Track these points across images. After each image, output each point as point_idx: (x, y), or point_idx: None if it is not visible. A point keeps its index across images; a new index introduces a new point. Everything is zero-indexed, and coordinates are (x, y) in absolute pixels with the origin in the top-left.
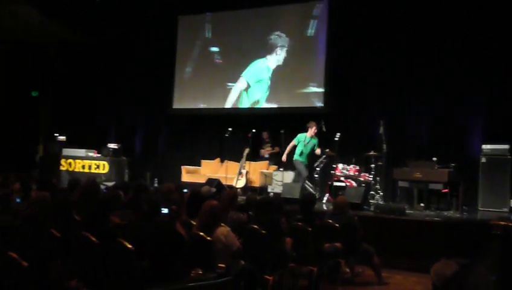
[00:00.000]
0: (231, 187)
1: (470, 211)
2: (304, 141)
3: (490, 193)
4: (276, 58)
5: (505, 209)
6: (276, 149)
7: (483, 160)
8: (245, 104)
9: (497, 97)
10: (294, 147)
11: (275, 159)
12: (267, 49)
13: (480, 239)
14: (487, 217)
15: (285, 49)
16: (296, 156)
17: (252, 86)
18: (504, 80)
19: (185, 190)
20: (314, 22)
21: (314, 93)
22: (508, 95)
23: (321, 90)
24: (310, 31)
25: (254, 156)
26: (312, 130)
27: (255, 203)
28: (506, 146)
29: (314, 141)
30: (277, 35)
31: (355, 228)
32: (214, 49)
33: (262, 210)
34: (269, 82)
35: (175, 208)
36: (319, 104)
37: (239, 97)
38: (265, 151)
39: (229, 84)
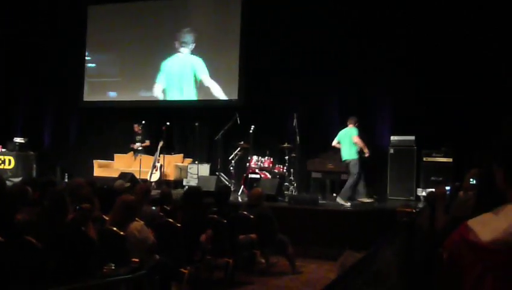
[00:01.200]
0: (145, 181)
1: (379, 200)
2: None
3: (398, 182)
4: (189, 51)
5: (412, 198)
6: (147, 143)
7: (391, 151)
8: (159, 96)
9: (403, 89)
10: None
11: (145, 152)
12: (181, 42)
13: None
14: (395, 206)
15: (196, 41)
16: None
17: (167, 79)
18: (409, 71)
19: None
20: (228, 13)
21: (228, 85)
22: (412, 87)
23: (235, 82)
24: (224, 23)
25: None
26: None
27: (168, 197)
28: (412, 137)
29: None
30: (190, 27)
31: (269, 219)
32: (125, 40)
33: (187, 202)
34: (183, 75)
35: (87, 207)
36: (233, 96)
37: (153, 89)
38: (135, 145)
39: (142, 76)
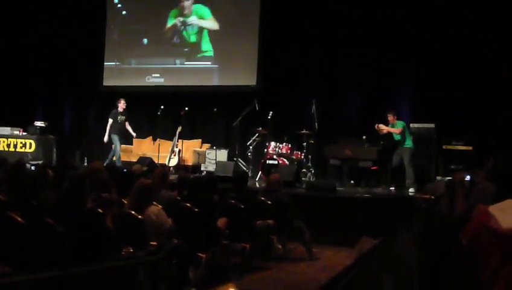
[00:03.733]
0: (163, 166)
1: (397, 188)
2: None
3: (416, 170)
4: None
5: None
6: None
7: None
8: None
9: (423, 77)
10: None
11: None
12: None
13: (406, 213)
14: (413, 193)
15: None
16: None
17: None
18: (430, 59)
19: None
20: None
21: (246, 71)
22: (433, 75)
23: (254, 68)
24: (243, 8)
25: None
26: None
27: (188, 182)
28: (432, 125)
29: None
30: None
31: (287, 205)
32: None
33: (195, 188)
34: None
35: (106, 196)
36: (252, 82)
37: (170, 74)
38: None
39: (160, 63)
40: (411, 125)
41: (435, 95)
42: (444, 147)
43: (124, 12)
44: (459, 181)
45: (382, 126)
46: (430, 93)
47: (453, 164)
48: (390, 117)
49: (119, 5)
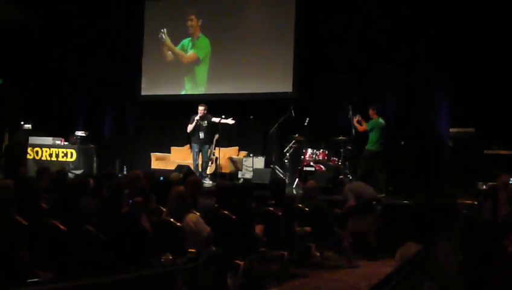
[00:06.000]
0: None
1: (437, 194)
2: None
3: (457, 176)
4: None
5: (472, 191)
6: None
7: (450, 144)
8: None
9: (462, 82)
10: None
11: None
12: None
13: (447, 219)
14: (454, 199)
15: (251, 33)
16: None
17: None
18: (469, 62)
19: (161, 178)
20: (282, 5)
21: (282, 78)
22: (472, 79)
23: (290, 75)
24: (278, 15)
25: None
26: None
27: (225, 190)
28: (472, 130)
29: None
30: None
31: (324, 212)
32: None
33: (233, 196)
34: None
35: (140, 200)
36: (288, 89)
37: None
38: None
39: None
40: (450, 130)
41: (474, 99)
42: (485, 151)
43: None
44: (502, 184)
45: (355, 120)
46: (469, 97)
47: (495, 169)
48: (370, 112)
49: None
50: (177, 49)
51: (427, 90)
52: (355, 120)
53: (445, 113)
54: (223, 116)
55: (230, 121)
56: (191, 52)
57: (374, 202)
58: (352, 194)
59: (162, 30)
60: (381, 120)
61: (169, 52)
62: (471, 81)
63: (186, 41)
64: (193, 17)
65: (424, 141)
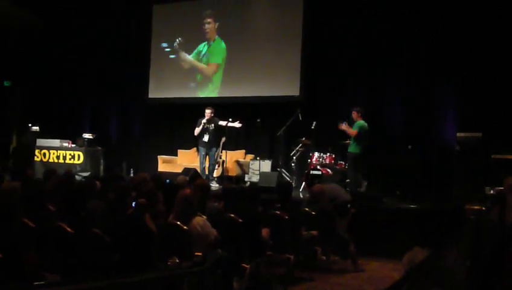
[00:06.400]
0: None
1: (444, 199)
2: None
3: (464, 180)
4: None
5: (479, 196)
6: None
7: (458, 148)
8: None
9: (469, 86)
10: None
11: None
12: None
13: (454, 224)
14: (461, 204)
15: (258, 36)
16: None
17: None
18: (476, 66)
19: (168, 181)
20: (289, 9)
21: (289, 81)
22: (479, 83)
23: (297, 78)
24: (285, 18)
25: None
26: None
27: (231, 193)
28: (479, 134)
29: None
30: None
31: (331, 216)
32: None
33: (239, 199)
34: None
35: (143, 201)
36: (295, 93)
37: (214, 86)
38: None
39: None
40: (457, 134)
41: (482, 103)
42: (492, 156)
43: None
44: (508, 187)
45: (343, 126)
46: (477, 101)
47: (502, 174)
48: (354, 114)
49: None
50: (196, 61)
51: (435, 94)
52: (342, 127)
53: (453, 118)
54: (230, 120)
55: (237, 125)
56: (212, 65)
57: (349, 205)
58: (325, 196)
59: (178, 40)
60: (365, 122)
61: (185, 62)
62: (479, 85)
63: (201, 46)
64: (211, 20)
65: (431, 145)
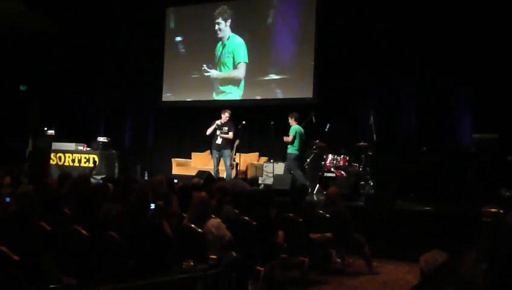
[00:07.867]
0: (222, 179)
1: (460, 201)
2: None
3: (480, 182)
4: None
5: (495, 198)
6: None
7: (473, 149)
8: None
9: (485, 87)
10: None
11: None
12: None
13: (471, 227)
14: (477, 206)
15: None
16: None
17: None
18: (492, 67)
19: (176, 181)
20: (303, 11)
21: (303, 84)
22: (495, 84)
23: (310, 81)
24: (299, 21)
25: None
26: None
27: (245, 195)
28: (496, 135)
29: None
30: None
31: (346, 218)
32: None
33: (253, 202)
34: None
35: (161, 204)
36: (308, 95)
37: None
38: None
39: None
40: (473, 135)
41: (498, 104)
42: (508, 158)
43: (179, 38)
44: None
45: (286, 138)
46: (493, 103)
47: None
48: (290, 120)
49: (177, 38)
50: (225, 72)
51: (450, 95)
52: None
53: (468, 119)
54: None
55: (228, 136)
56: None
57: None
58: (341, 198)
59: (204, 66)
60: (299, 127)
61: (216, 79)
62: (495, 86)
63: (218, 45)
64: (220, 20)
65: (446, 146)
